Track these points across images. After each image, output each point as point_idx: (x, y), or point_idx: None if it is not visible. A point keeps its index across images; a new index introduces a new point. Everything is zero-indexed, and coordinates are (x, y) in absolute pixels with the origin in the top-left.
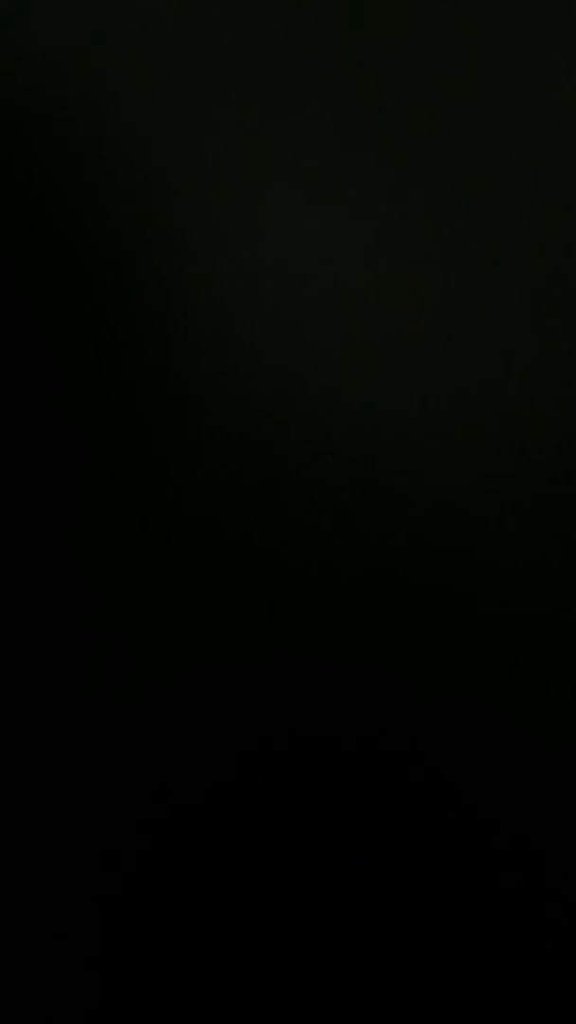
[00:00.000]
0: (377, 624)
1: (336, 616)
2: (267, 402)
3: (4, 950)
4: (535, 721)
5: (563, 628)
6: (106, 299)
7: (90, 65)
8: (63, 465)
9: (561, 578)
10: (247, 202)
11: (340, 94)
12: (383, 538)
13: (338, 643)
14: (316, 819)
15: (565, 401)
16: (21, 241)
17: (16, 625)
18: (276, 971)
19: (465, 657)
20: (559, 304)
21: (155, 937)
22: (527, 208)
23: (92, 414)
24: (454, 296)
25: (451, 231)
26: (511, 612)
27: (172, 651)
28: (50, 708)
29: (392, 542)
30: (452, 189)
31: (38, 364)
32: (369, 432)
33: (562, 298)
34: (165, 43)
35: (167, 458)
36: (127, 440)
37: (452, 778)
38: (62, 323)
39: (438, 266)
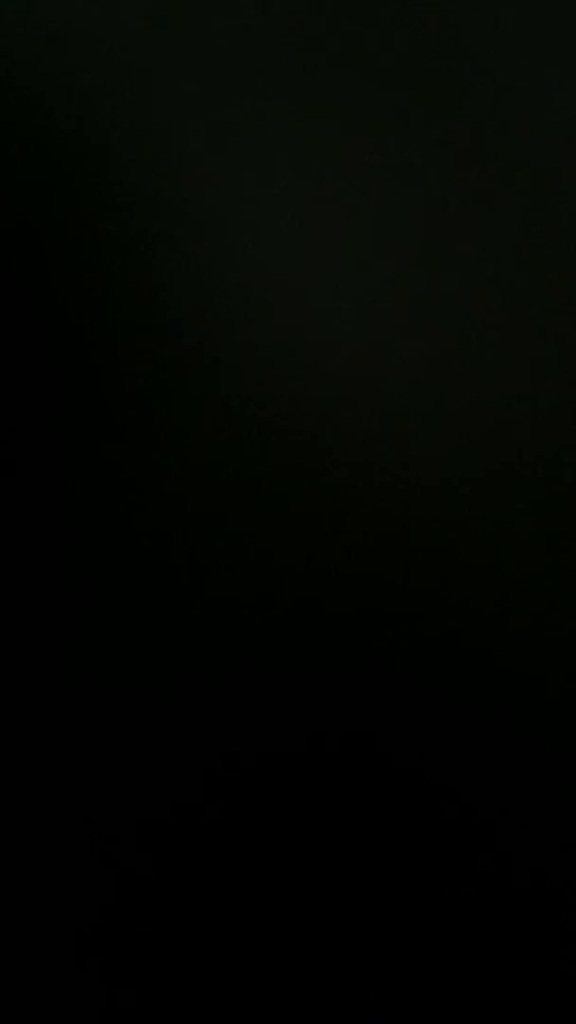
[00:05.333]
0: (377, 624)
1: (336, 616)
2: (267, 401)
3: (4, 951)
4: (535, 721)
5: (563, 628)
6: (105, 297)
7: (88, 59)
8: (63, 466)
9: (562, 578)
10: (246, 199)
11: (341, 91)
12: (383, 538)
13: (338, 644)
14: (315, 820)
15: (566, 401)
16: (20, 244)
17: (16, 625)
18: (276, 971)
19: (465, 657)
20: (560, 303)
21: (154, 937)
22: (529, 200)
23: (92, 414)
24: (454, 294)
25: (452, 230)
26: (511, 613)
27: (172, 651)
28: (49, 708)
29: (392, 542)
30: (453, 188)
31: (39, 366)
32: (369, 431)
33: (563, 297)
34: (162, 37)
35: (166, 459)
36: (126, 440)
37: (451, 779)
38: (62, 324)
39: (438, 263)
